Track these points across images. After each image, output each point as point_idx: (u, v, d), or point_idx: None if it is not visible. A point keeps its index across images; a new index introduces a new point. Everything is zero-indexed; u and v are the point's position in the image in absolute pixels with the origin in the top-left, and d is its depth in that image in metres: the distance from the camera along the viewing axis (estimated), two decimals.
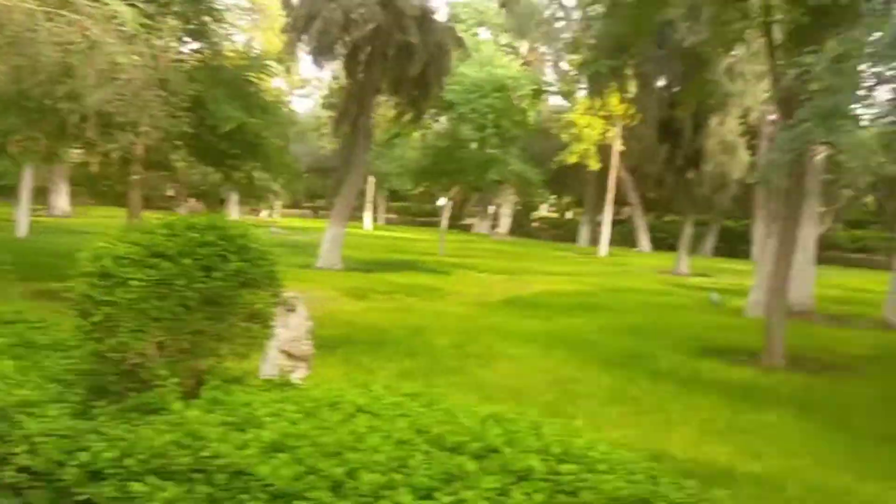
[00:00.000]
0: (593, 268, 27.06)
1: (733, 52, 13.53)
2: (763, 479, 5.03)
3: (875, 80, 7.72)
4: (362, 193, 39.03)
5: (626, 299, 16.40)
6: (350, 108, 20.10)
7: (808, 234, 15.64)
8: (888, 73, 7.54)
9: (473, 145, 28.73)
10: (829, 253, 40.37)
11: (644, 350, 9.94)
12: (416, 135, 31.56)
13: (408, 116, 21.92)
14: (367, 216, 46.56)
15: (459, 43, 20.59)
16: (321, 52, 18.63)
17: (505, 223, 50.15)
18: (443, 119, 29.59)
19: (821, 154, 14.72)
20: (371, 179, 42.18)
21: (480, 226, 51.89)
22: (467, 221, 55.57)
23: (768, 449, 5.83)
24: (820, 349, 11.16)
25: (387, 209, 55.61)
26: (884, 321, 14.97)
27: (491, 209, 50.34)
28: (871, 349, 11.77)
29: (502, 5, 44.82)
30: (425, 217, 52.39)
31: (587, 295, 16.62)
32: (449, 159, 28.91)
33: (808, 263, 15.75)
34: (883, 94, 8.04)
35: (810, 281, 15.88)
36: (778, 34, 9.78)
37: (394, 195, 53.94)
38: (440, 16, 23.78)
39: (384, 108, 25.09)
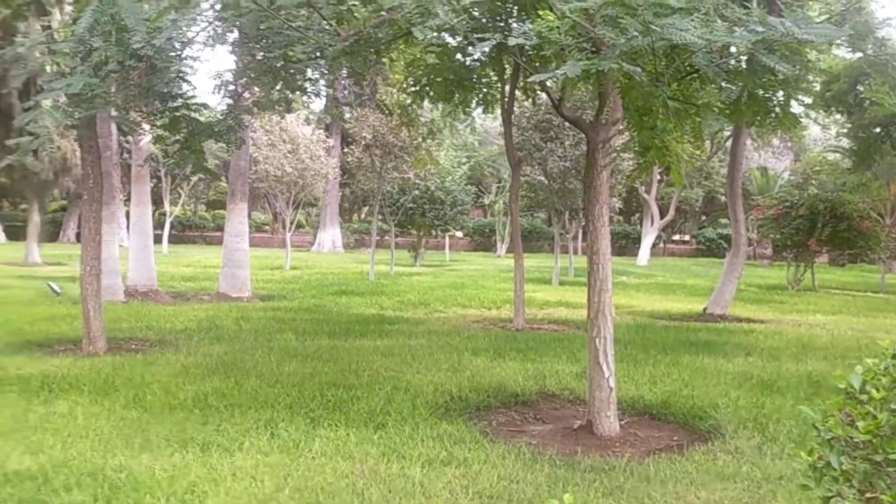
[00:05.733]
0: None
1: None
2: (32, 473, 4.65)
3: None
4: None
5: None
6: None
7: (142, 214, 16.49)
8: None
9: None
10: (190, 233, 48.35)
11: None
12: None
13: None
14: None
15: None
16: None
17: None
18: None
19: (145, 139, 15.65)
20: None
21: None
22: None
23: (52, 440, 5.37)
24: (146, 327, 11.26)
25: None
26: (220, 294, 16.25)
27: None
28: (196, 321, 11.99)
29: None
30: None
31: None
32: None
33: (147, 244, 16.41)
34: None
35: (150, 261, 16.43)
36: None
37: None
38: None
39: None
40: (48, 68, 8.99)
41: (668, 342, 10.58)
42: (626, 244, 44.80)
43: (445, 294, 16.97)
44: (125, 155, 26.17)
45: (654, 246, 39.36)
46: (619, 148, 6.08)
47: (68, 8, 10.54)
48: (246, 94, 10.09)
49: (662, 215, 37.06)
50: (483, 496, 4.48)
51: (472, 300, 15.98)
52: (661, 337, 11.12)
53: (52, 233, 43.09)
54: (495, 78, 10.14)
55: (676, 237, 52.24)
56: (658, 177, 34.13)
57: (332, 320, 12.44)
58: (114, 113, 10.05)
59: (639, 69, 3.89)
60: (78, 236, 37.72)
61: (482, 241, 48.29)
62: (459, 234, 45.51)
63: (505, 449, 5.41)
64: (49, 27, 8.39)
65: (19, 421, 5.82)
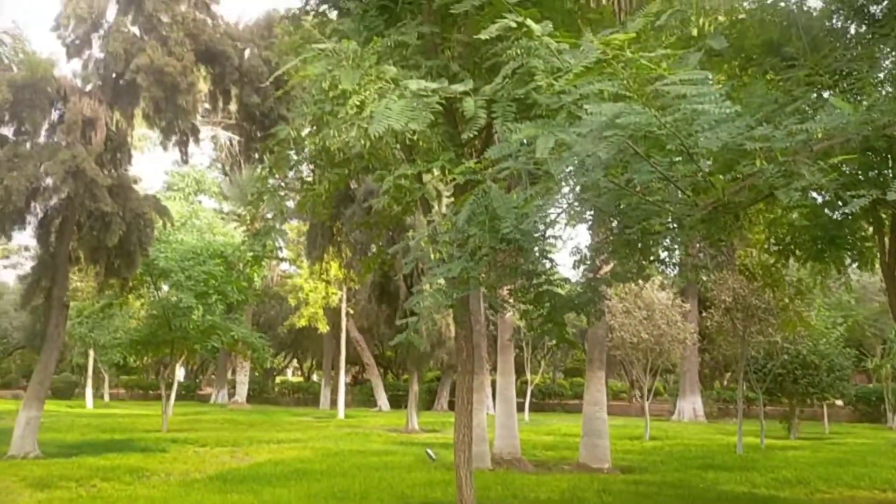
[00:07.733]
0: (326, 431, 26.63)
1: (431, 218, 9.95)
2: None
3: None
4: (83, 368, 46.41)
5: (344, 463, 16.17)
6: (41, 278, 18.65)
7: (507, 383, 18.00)
8: None
9: (196, 313, 26.06)
10: (549, 401, 49.99)
11: None
12: (138, 304, 30.02)
13: (113, 285, 20.68)
14: (89, 392, 45.42)
15: (163, 211, 19.96)
16: (5, 222, 16.99)
17: (242, 390, 49.66)
18: (165, 287, 27.25)
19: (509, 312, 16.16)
20: (90, 353, 42.59)
21: (218, 395, 52.08)
22: (205, 391, 57.66)
23: None
24: (512, 496, 11.71)
25: (114, 384, 55.41)
26: (580, 464, 16.19)
27: (233, 378, 51.15)
28: (559, 492, 12.18)
29: (225, 174, 46.19)
30: (158, 390, 45.12)
31: (307, 461, 16.24)
32: (167, 328, 26.32)
33: (511, 412, 17.67)
34: None
35: (514, 429, 17.38)
36: None
37: (122, 368, 50.14)
38: (152, 184, 27.31)
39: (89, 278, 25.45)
40: (431, 256, 10.28)
41: None
42: None
43: (828, 471, 15.11)
44: (491, 328, 28.24)
45: None
46: None
47: (445, 201, 12.16)
48: (603, 267, 10.48)
49: None
50: None
51: (861, 479, 14.04)
52: None
53: (427, 401, 47.25)
54: (871, 231, 9.33)
55: None
56: None
57: (699, 497, 11.73)
58: (485, 292, 11.03)
59: None
60: (450, 404, 41.46)
61: (868, 410, 42.54)
62: (839, 402, 40.75)
63: None
64: (432, 221, 9.75)
65: None
